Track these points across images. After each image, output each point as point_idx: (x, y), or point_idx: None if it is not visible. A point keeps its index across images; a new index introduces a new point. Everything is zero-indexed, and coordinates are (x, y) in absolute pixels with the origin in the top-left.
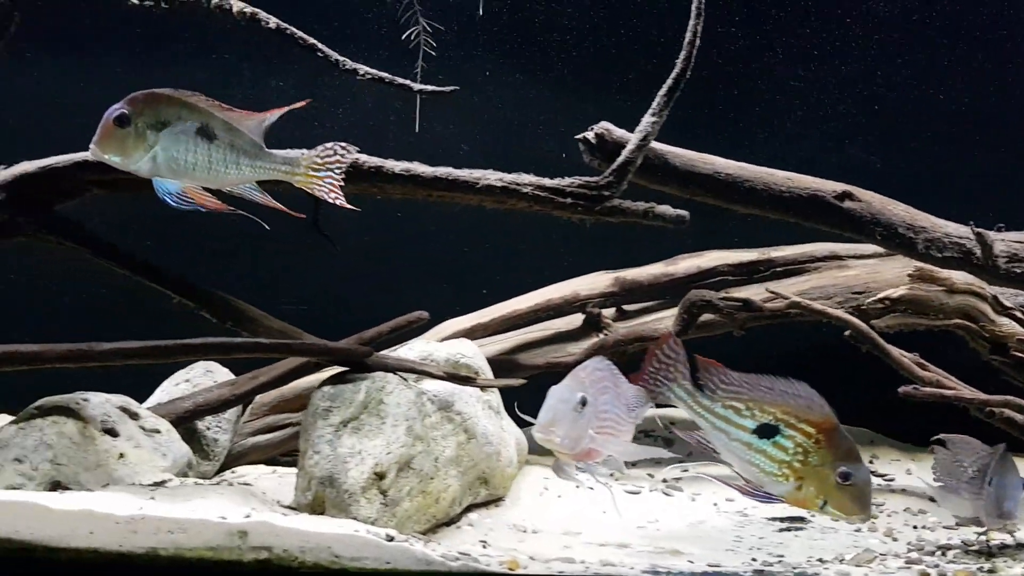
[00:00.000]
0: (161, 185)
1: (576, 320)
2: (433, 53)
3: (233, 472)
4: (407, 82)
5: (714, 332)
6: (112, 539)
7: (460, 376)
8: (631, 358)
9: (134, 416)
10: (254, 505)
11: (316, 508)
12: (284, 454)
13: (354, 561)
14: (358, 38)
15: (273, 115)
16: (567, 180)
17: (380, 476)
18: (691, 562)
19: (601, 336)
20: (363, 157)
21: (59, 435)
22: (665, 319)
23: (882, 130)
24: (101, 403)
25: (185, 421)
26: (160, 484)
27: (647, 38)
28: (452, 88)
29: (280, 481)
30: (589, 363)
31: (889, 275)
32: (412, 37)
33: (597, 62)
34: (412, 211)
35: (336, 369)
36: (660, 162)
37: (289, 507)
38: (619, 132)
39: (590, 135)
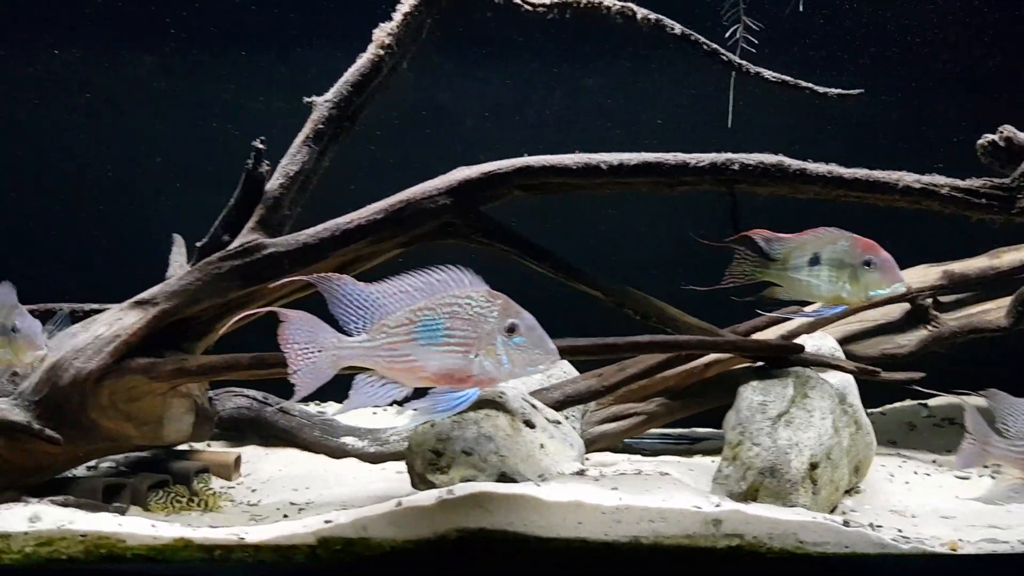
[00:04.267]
0: None
1: (890, 311)
2: (753, 51)
3: (587, 459)
4: (810, 85)
5: None
6: (599, 529)
7: (868, 369)
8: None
9: (534, 407)
10: (700, 495)
11: (749, 496)
12: None
13: (816, 546)
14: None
15: None
16: (979, 181)
17: (814, 466)
18: None
19: (931, 328)
20: (787, 160)
21: (495, 428)
22: (989, 311)
23: None
24: (515, 396)
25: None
26: (581, 473)
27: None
28: (858, 91)
29: (677, 469)
30: None
31: None
32: (736, 35)
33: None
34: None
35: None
36: None
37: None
38: (1023, 136)
39: (995, 138)
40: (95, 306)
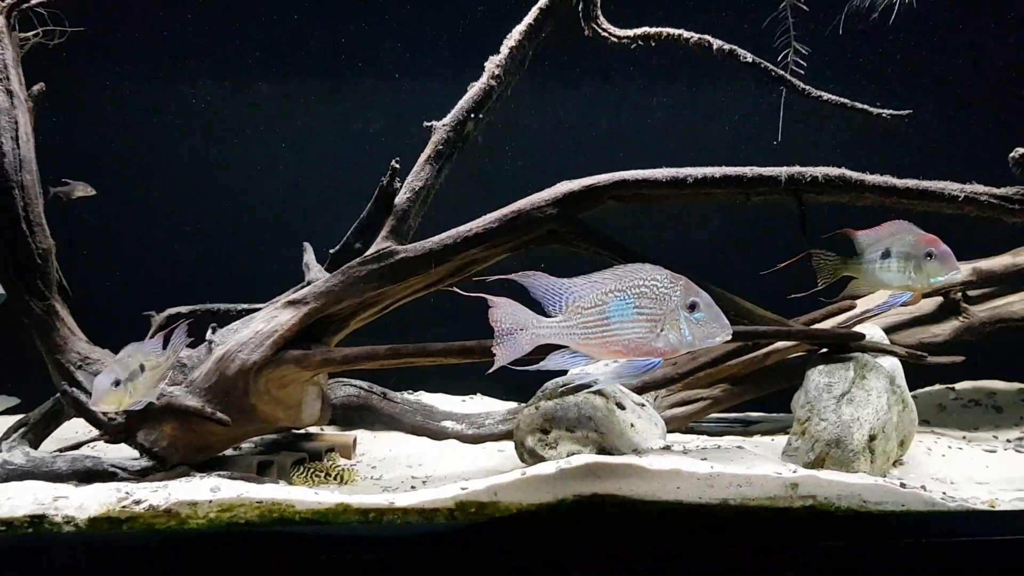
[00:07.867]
0: None
1: (924, 304)
2: (802, 72)
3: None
4: (865, 107)
5: None
6: (694, 493)
7: (916, 353)
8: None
9: (622, 391)
10: (779, 464)
11: (816, 465)
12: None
13: (877, 505)
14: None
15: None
16: (1012, 190)
17: (872, 438)
18: None
19: (962, 319)
20: (848, 172)
21: (593, 408)
22: (1014, 303)
23: None
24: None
25: None
26: (667, 448)
27: None
28: (907, 111)
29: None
30: None
31: None
32: (787, 59)
33: None
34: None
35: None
36: None
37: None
38: None
39: None
40: (245, 306)
